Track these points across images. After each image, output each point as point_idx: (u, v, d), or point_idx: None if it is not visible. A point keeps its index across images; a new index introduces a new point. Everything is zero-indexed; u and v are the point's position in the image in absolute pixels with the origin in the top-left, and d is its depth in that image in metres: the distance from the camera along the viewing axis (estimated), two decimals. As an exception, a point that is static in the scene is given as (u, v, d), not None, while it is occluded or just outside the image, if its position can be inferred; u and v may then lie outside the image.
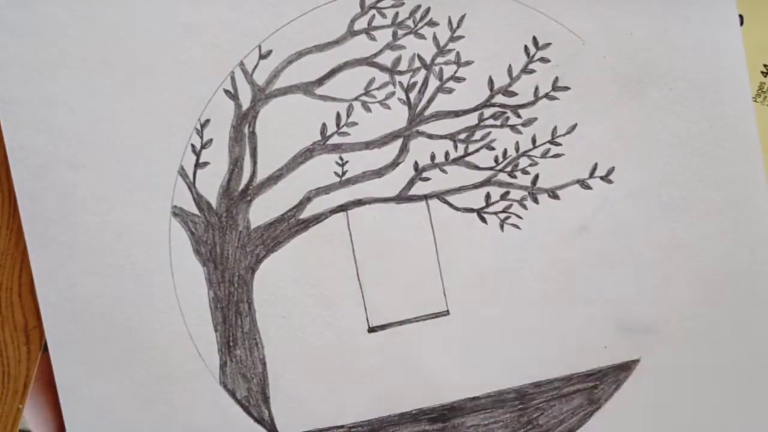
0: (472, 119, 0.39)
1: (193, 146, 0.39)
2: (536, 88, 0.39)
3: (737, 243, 0.40)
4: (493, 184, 0.39)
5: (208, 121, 0.39)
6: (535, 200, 0.39)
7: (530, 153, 0.39)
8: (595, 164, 0.39)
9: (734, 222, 0.39)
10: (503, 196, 0.39)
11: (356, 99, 0.39)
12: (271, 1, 0.39)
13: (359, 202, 0.39)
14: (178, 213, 0.39)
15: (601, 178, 0.39)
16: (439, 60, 0.39)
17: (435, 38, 0.39)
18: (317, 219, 0.39)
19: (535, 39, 0.39)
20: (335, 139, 0.39)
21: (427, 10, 0.39)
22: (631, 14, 0.39)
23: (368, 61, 0.39)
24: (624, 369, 0.40)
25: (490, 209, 0.39)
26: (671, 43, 0.39)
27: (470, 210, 0.39)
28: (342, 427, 0.40)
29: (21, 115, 0.39)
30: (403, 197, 0.39)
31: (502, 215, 0.39)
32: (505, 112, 0.39)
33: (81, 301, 0.39)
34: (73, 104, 0.39)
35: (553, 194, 0.39)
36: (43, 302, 0.39)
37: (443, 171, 0.39)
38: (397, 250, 0.39)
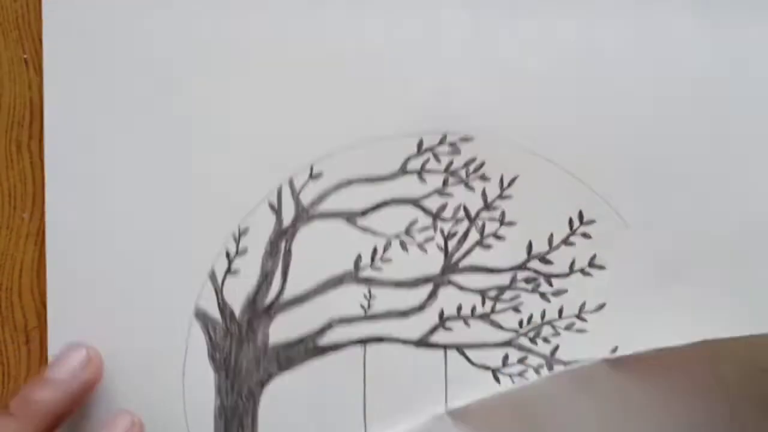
0: (504, 279, 0.40)
1: (227, 252, 0.40)
2: (573, 261, 0.39)
3: None
4: (513, 347, 0.40)
5: (246, 229, 0.40)
6: (551, 369, 0.40)
7: (555, 323, 0.40)
8: (616, 347, 0.39)
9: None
10: (521, 360, 0.40)
11: (396, 236, 0.40)
12: (329, 122, 0.39)
13: (379, 339, 0.40)
14: (201, 315, 0.39)
15: (620, 360, 0.40)
16: (484, 215, 0.40)
17: (484, 193, 0.39)
18: (335, 347, 0.40)
19: (581, 213, 0.39)
20: (367, 272, 0.40)
21: (482, 164, 0.39)
22: (681, 210, 0.39)
23: (414, 202, 0.40)
24: None
25: (506, 370, 0.40)
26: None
27: (486, 367, 0.40)
28: None
29: (66, 198, 0.39)
30: (423, 342, 0.40)
31: (516, 379, 0.40)
32: (537, 278, 0.40)
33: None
34: (117, 193, 0.39)
35: (569, 367, 0.40)
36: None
37: (467, 324, 0.40)
38: (407, 394, 0.40)
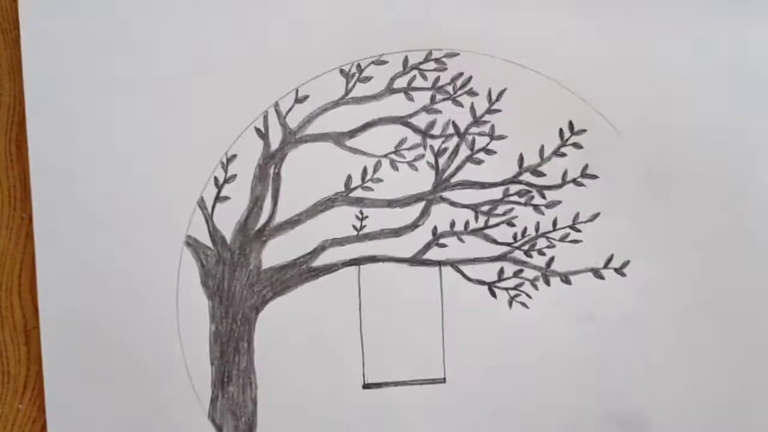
0: (496, 193, 0.39)
1: (216, 179, 0.39)
2: (565, 172, 0.39)
3: (746, 353, 0.40)
4: (508, 260, 0.39)
5: (234, 156, 0.39)
6: (547, 282, 0.39)
7: (549, 235, 0.39)
8: (611, 255, 0.39)
9: (747, 330, 0.40)
10: (516, 274, 0.39)
11: (385, 156, 0.39)
12: (314, 48, 0.39)
13: (373, 258, 0.39)
14: (192, 243, 0.39)
15: (615, 269, 0.39)
16: (473, 130, 0.39)
17: (472, 108, 0.39)
18: (328, 269, 0.39)
19: (571, 123, 0.39)
20: (358, 193, 0.39)
21: (469, 79, 0.39)
22: (670, 111, 0.39)
23: (402, 121, 0.39)
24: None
25: (502, 284, 0.39)
26: (708, 144, 0.39)
27: (482, 282, 0.39)
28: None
29: (46, 125, 0.39)
30: (417, 260, 0.39)
31: (513, 292, 0.39)
32: (530, 191, 0.39)
33: (82, 315, 0.39)
34: (99, 119, 0.39)
35: (565, 279, 0.39)
36: (43, 310, 0.39)
37: (461, 240, 0.39)
38: (403, 312, 0.39)
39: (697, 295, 0.39)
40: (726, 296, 0.39)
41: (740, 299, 0.39)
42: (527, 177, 0.39)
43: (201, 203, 0.39)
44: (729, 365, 0.40)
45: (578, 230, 0.39)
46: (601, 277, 0.39)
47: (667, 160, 0.39)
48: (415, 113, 0.39)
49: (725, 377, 0.40)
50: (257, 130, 0.39)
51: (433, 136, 0.39)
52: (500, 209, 0.39)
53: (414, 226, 0.39)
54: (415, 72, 0.39)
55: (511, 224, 0.39)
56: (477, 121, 0.39)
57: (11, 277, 0.40)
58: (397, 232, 0.39)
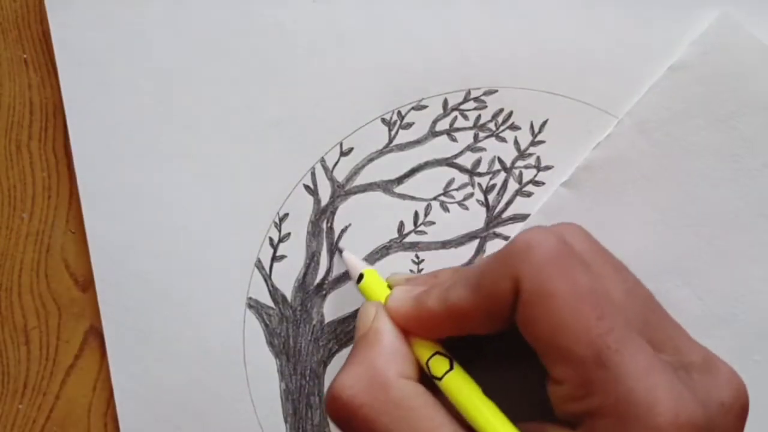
0: (549, 224, 0.39)
1: (270, 239, 0.40)
2: (615, 196, 0.39)
3: None
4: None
5: (286, 215, 0.40)
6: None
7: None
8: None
9: None
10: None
11: (435, 199, 0.40)
12: (354, 99, 0.39)
13: (434, 302, 0.40)
14: (253, 305, 0.40)
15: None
16: (519, 163, 0.39)
17: (516, 141, 0.39)
18: (391, 316, 0.40)
19: (616, 147, 0.39)
20: (412, 238, 0.40)
21: (510, 114, 0.39)
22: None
23: (448, 162, 0.40)
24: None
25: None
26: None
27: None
28: None
29: (102, 202, 0.40)
30: (477, 299, 0.39)
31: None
32: (583, 218, 0.39)
33: (155, 388, 0.40)
34: (155, 193, 0.40)
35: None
36: (117, 387, 0.40)
37: (519, 274, 0.39)
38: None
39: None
40: None
41: None
42: (578, 205, 0.39)
43: (258, 264, 0.40)
44: None
45: (635, 253, 0.39)
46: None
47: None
48: (460, 153, 0.40)
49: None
50: (306, 186, 0.40)
51: (480, 174, 0.39)
52: (555, 240, 0.39)
53: (470, 263, 0.40)
54: (455, 113, 0.39)
55: (567, 253, 0.39)
56: (522, 154, 0.39)
57: (11, 277, 0.41)
58: (454, 273, 0.40)
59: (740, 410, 0.26)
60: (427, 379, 0.29)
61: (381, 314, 0.30)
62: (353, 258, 0.37)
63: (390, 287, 0.32)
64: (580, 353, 0.24)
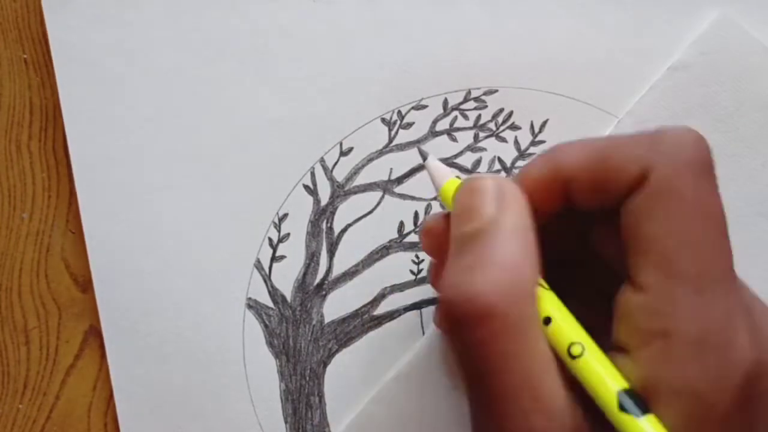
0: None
1: (270, 239, 0.40)
2: (615, 196, 0.39)
3: None
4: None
5: (286, 215, 0.40)
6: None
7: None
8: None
9: None
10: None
11: (435, 198, 0.40)
12: (354, 98, 0.39)
13: (434, 301, 0.40)
14: (253, 305, 0.40)
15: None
16: (520, 163, 0.39)
17: (516, 141, 0.39)
18: (391, 316, 0.40)
19: (616, 147, 0.39)
20: (412, 238, 0.40)
21: (510, 114, 0.39)
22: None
23: (448, 162, 0.40)
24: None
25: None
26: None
27: (544, 315, 0.39)
28: None
29: (100, 203, 0.40)
30: (477, 299, 0.39)
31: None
32: (583, 219, 0.39)
33: (155, 388, 0.39)
34: (154, 194, 0.40)
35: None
36: (117, 388, 0.40)
37: (519, 274, 0.39)
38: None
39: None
40: None
41: None
42: (578, 205, 0.39)
43: (258, 264, 0.40)
44: None
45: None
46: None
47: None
48: (460, 153, 0.40)
49: None
50: (305, 186, 0.40)
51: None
52: (555, 240, 0.39)
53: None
54: (455, 113, 0.39)
55: (567, 253, 0.39)
56: (522, 154, 0.39)
57: (11, 277, 0.41)
58: (454, 273, 0.40)
59: None
60: None
61: (513, 199, 0.26)
62: (441, 166, 0.32)
63: None
64: (684, 268, 0.23)
